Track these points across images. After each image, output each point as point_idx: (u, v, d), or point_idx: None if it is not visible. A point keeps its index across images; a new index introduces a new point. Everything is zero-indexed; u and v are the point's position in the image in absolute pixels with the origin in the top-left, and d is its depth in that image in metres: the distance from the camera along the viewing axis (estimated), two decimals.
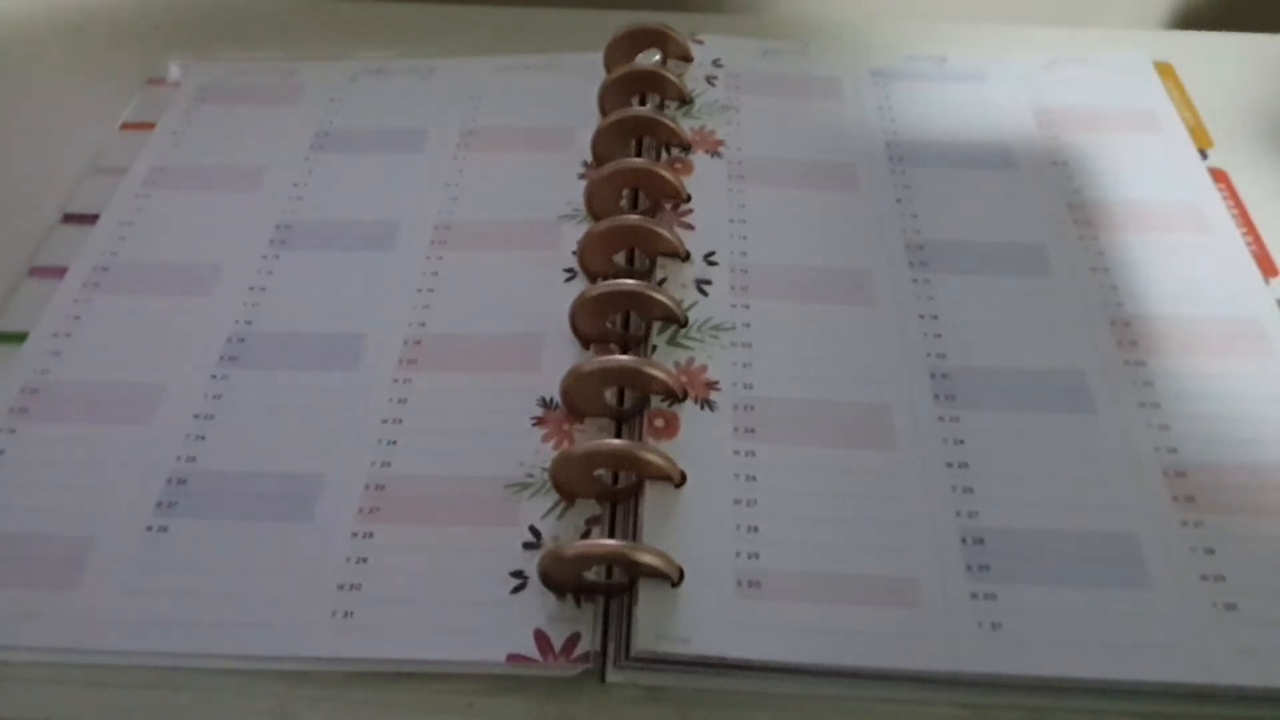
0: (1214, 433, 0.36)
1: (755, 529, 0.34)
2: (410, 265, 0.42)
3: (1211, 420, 0.37)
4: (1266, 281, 0.41)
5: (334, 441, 0.37)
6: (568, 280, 0.41)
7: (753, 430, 0.36)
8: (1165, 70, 0.51)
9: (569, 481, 0.34)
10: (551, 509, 0.34)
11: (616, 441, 0.35)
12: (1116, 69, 0.51)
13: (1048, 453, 0.36)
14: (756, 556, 0.33)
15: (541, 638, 0.31)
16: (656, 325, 0.39)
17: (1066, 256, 0.42)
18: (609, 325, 0.39)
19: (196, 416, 0.37)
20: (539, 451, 0.36)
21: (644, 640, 0.31)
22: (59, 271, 0.43)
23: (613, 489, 0.35)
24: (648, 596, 0.32)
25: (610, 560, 0.32)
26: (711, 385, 0.37)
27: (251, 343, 0.40)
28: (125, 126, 0.50)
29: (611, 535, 0.34)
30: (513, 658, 0.31)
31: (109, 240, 0.44)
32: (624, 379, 0.37)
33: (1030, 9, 0.59)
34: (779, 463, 0.35)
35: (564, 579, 0.32)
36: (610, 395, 0.37)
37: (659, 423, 0.36)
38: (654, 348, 0.38)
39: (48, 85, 0.52)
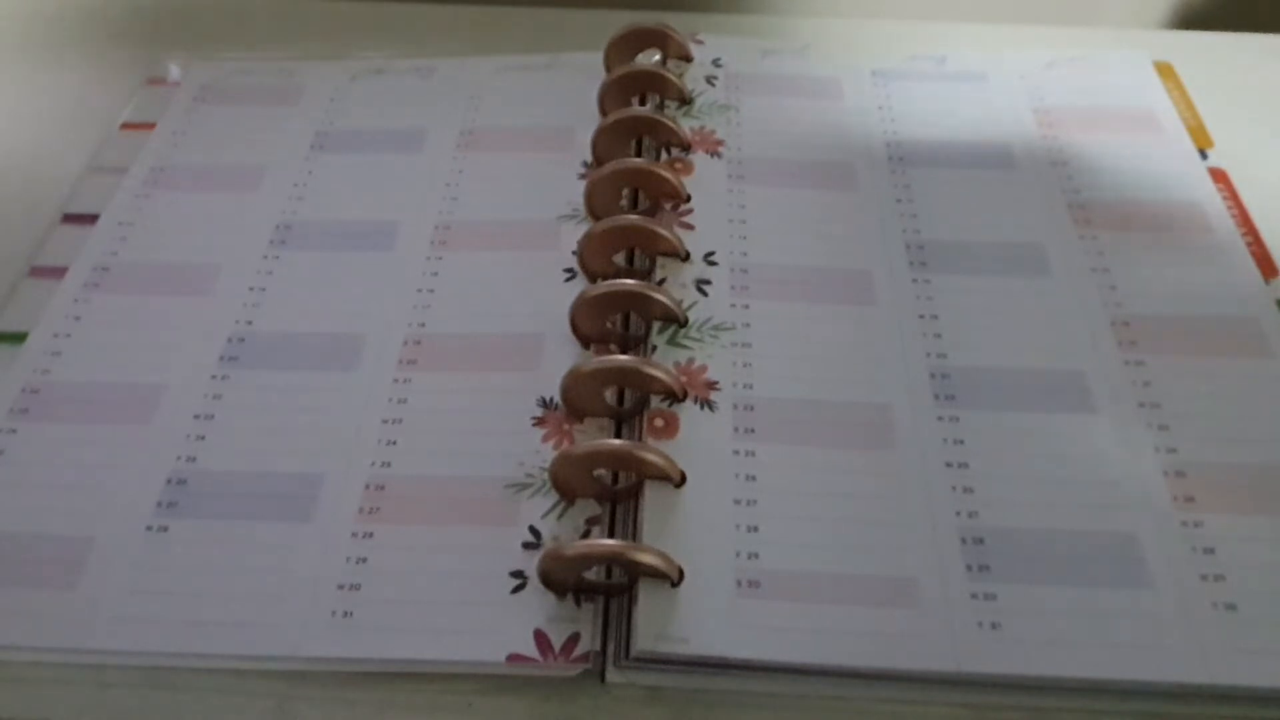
0: (1214, 433, 0.36)
1: (755, 529, 0.34)
2: (410, 265, 0.42)
3: (1211, 420, 0.37)
4: (1266, 281, 0.41)
5: (334, 441, 0.37)
6: (568, 280, 0.41)
7: (753, 430, 0.36)
8: (1165, 70, 0.51)
9: (569, 481, 0.34)
10: (551, 509, 0.34)
11: (616, 441, 0.35)
12: (1116, 69, 0.51)
13: (1048, 453, 0.36)
14: (756, 556, 0.33)
15: (541, 638, 0.31)
16: (656, 325, 0.39)
17: (1066, 256, 0.42)
18: (609, 325, 0.39)
19: (196, 416, 0.37)
20: (539, 451, 0.36)
21: (644, 640, 0.31)
22: (59, 271, 0.43)
23: (613, 489, 0.35)
24: (647, 596, 0.32)
25: (610, 560, 0.32)
26: (711, 385, 0.37)
27: (251, 343, 0.40)
28: (125, 126, 0.50)
29: (611, 535, 0.34)
30: (513, 658, 0.31)
31: (109, 240, 0.44)
32: (624, 379, 0.37)
33: (1030, 9, 0.59)
34: (779, 463, 0.35)
35: (564, 579, 0.32)
36: (610, 395, 0.37)
37: (659, 423, 0.36)
38: (654, 348, 0.38)
39: (48, 85, 0.52)
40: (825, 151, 0.46)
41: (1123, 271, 0.41)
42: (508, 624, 0.32)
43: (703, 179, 0.44)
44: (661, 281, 0.40)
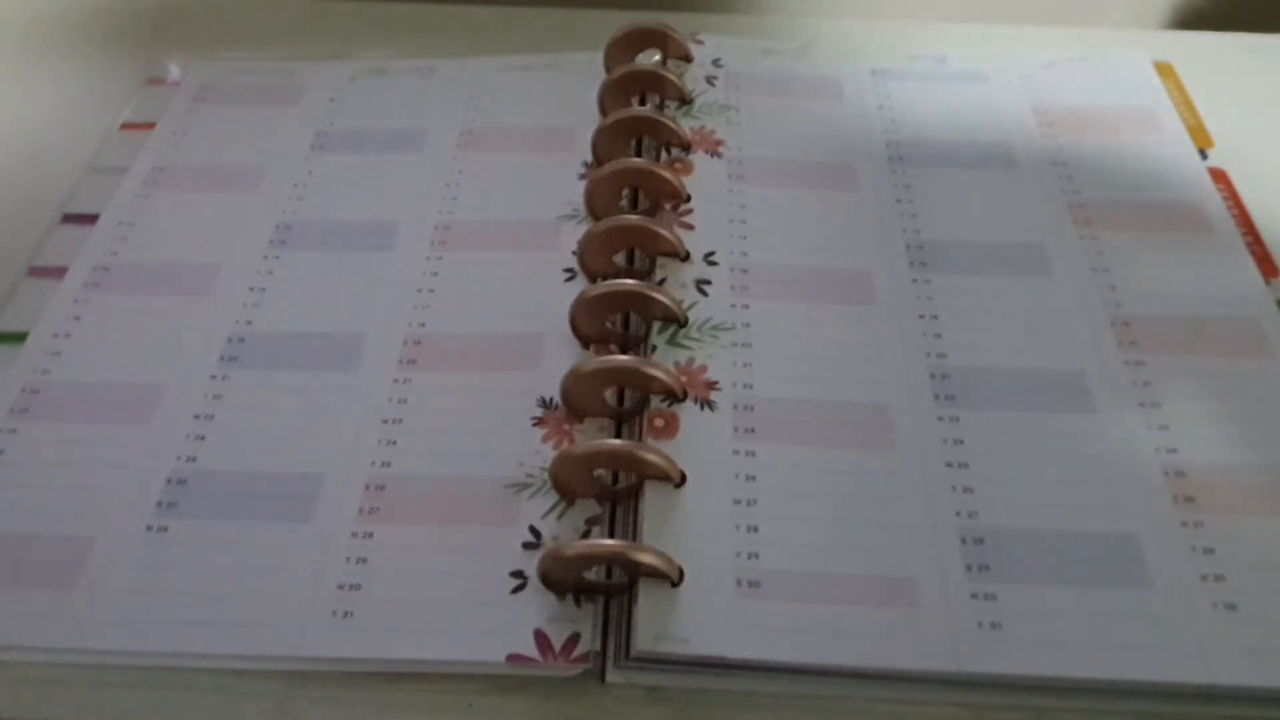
0: (1214, 433, 0.36)
1: (755, 529, 0.34)
2: (410, 265, 0.42)
3: (1211, 420, 0.37)
4: (1266, 282, 0.41)
5: (334, 441, 0.37)
6: (568, 280, 0.41)
7: (753, 430, 0.36)
8: (1165, 70, 0.51)
9: (569, 481, 0.34)
10: (551, 509, 0.34)
11: (616, 441, 0.35)
12: (1116, 69, 0.51)
13: (1048, 453, 0.36)
14: (756, 556, 0.33)
15: (541, 638, 0.31)
16: (656, 325, 0.39)
17: (1066, 256, 0.42)
18: (609, 325, 0.39)
19: (196, 416, 0.37)
20: (539, 451, 0.36)
21: (644, 640, 0.31)
22: (59, 271, 0.43)
23: (613, 489, 0.35)
24: (647, 596, 0.32)
25: (610, 560, 0.32)
26: (711, 385, 0.37)
27: (251, 343, 0.40)
28: (125, 126, 0.50)
29: (611, 535, 0.34)
30: (513, 658, 0.31)
31: (109, 240, 0.44)
32: (624, 379, 0.37)
33: (1030, 9, 0.59)
34: (779, 463, 0.35)
35: (564, 579, 0.32)
36: (610, 395, 0.37)
37: (659, 423, 0.36)
38: (654, 348, 0.38)
39: (48, 85, 0.52)
40: (825, 151, 0.46)
41: (1123, 271, 0.41)
42: (508, 624, 0.32)
43: (703, 179, 0.44)
44: (661, 281, 0.40)
